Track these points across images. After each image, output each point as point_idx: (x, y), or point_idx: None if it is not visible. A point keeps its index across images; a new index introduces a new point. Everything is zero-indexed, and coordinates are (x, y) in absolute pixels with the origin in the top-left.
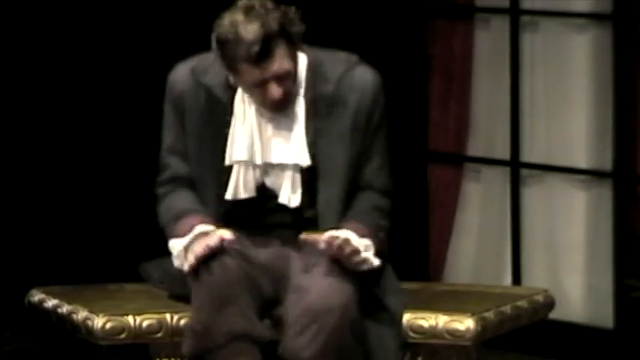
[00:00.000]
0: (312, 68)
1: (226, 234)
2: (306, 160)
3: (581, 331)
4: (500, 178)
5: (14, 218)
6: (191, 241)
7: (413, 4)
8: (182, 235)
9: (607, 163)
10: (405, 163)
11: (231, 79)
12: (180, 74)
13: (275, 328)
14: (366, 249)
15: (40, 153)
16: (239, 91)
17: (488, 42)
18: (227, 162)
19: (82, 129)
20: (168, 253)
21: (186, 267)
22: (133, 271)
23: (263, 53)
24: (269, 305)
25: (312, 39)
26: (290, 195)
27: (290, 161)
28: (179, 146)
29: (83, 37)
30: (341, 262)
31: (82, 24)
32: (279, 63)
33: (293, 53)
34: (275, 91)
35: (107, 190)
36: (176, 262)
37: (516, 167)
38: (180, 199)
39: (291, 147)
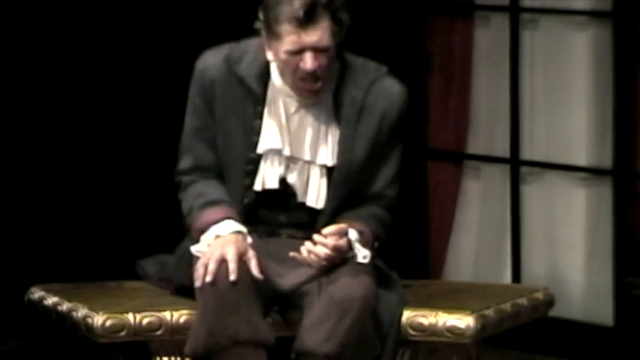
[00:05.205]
0: (344, 72)
1: (251, 261)
2: (332, 162)
3: (581, 328)
4: (500, 176)
5: (14, 216)
6: (219, 237)
7: (413, 1)
8: (211, 222)
9: (607, 161)
10: (404, 160)
11: (269, 54)
12: (213, 62)
13: (277, 326)
14: (358, 250)
15: (40, 152)
16: (271, 82)
17: (488, 40)
18: (259, 150)
19: (81, 127)
20: (167, 251)
21: (200, 270)
22: (133, 268)
23: (308, 17)
24: (272, 303)
25: None
26: (317, 196)
27: (318, 161)
28: (205, 133)
29: (85, 33)
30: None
31: (86, 21)
32: (320, 34)
33: (335, 34)
34: (310, 61)
35: (107, 187)
36: (194, 249)
37: (516, 165)
38: (210, 188)
39: (320, 147)
